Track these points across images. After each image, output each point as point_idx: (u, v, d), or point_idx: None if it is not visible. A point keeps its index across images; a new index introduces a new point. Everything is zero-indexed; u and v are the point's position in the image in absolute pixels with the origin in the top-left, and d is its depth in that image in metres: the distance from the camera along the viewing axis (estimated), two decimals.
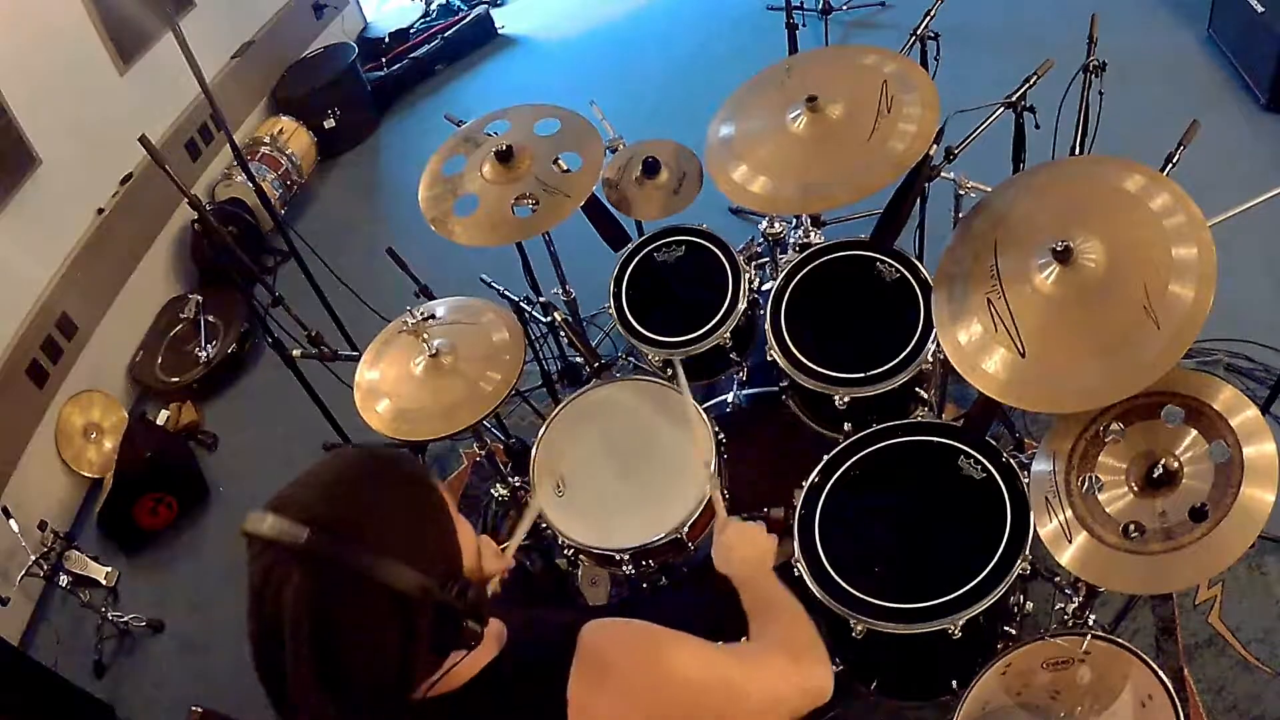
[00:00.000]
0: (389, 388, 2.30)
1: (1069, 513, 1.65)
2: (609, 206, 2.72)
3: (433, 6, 6.14)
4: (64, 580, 3.25)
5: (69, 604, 3.33)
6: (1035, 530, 1.71)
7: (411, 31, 5.93)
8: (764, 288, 2.59)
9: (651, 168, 2.68)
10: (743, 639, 1.35)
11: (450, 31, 5.77)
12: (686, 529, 2.08)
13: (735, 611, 1.42)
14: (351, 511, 0.96)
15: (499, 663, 1.09)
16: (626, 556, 2.09)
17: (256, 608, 0.94)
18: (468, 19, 5.83)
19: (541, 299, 2.85)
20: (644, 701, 1.07)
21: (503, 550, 1.20)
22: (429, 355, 2.28)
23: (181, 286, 4.47)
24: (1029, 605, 2.07)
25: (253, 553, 0.95)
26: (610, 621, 1.12)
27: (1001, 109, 2.31)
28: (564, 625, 1.11)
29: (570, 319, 3.07)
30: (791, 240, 2.99)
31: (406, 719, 1.04)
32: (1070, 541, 1.63)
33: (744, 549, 1.48)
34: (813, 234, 2.97)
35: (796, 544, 1.93)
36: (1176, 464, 1.60)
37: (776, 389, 2.43)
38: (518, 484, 2.69)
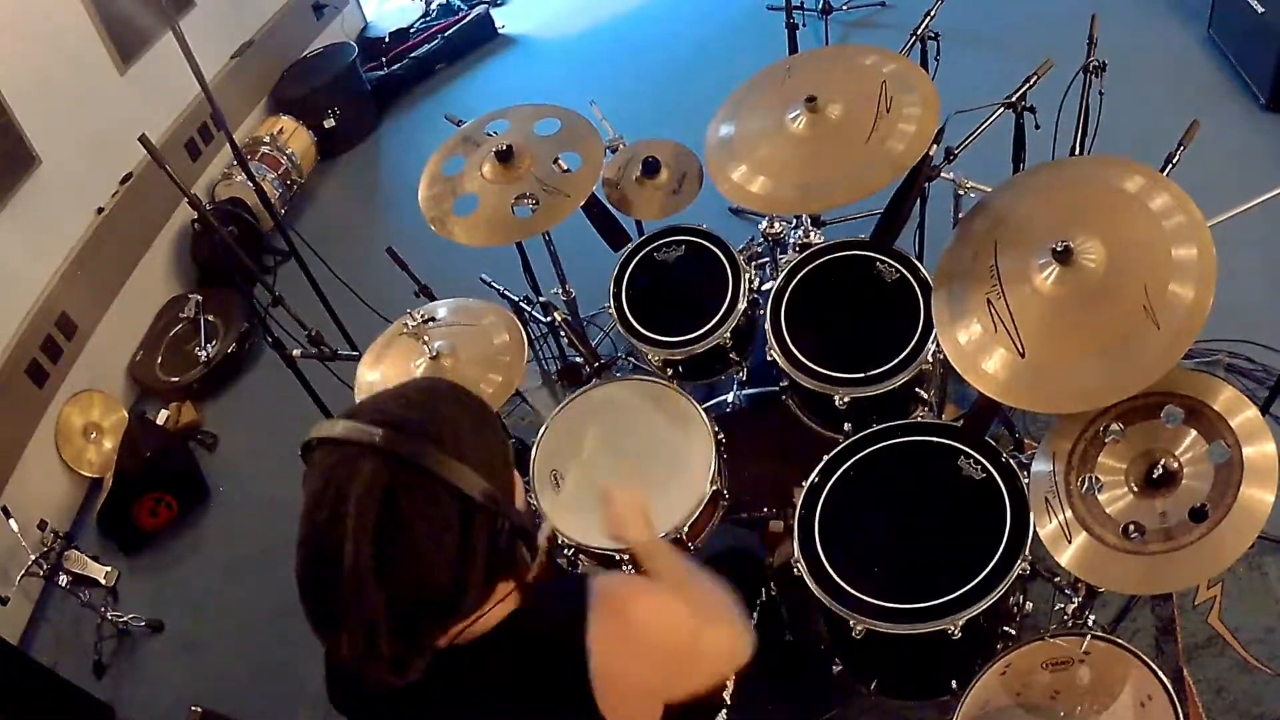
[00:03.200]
0: None
1: (1069, 513, 1.65)
2: (609, 206, 2.72)
3: (433, 6, 6.14)
4: (64, 580, 3.25)
5: (69, 604, 3.33)
6: (1035, 530, 1.71)
7: (411, 31, 5.93)
8: (764, 288, 2.59)
9: (651, 168, 2.68)
10: None
11: (450, 31, 5.76)
12: (686, 529, 2.07)
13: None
14: (425, 418, 0.96)
15: (517, 615, 1.08)
16: (626, 556, 2.09)
17: (313, 508, 0.91)
18: (468, 19, 5.82)
19: (541, 299, 2.85)
20: (659, 648, 1.07)
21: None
22: (430, 358, 2.27)
23: (181, 286, 4.47)
24: (1029, 605, 2.06)
25: (317, 459, 0.94)
26: (618, 574, 1.13)
27: (1001, 109, 2.31)
28: (576, 579, 1.12)
29: (570, 319, 3.06)
30: (791, 240, 2.98)
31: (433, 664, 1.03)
32: (1070, 541, 1.63)
33: (628, 518, 1.40)
34: (813, 234, 2.96)
35: (796, 544, 1.93)
36: (1176, 464, 1.60)
37: (776, 389, 2.43)
38: None
